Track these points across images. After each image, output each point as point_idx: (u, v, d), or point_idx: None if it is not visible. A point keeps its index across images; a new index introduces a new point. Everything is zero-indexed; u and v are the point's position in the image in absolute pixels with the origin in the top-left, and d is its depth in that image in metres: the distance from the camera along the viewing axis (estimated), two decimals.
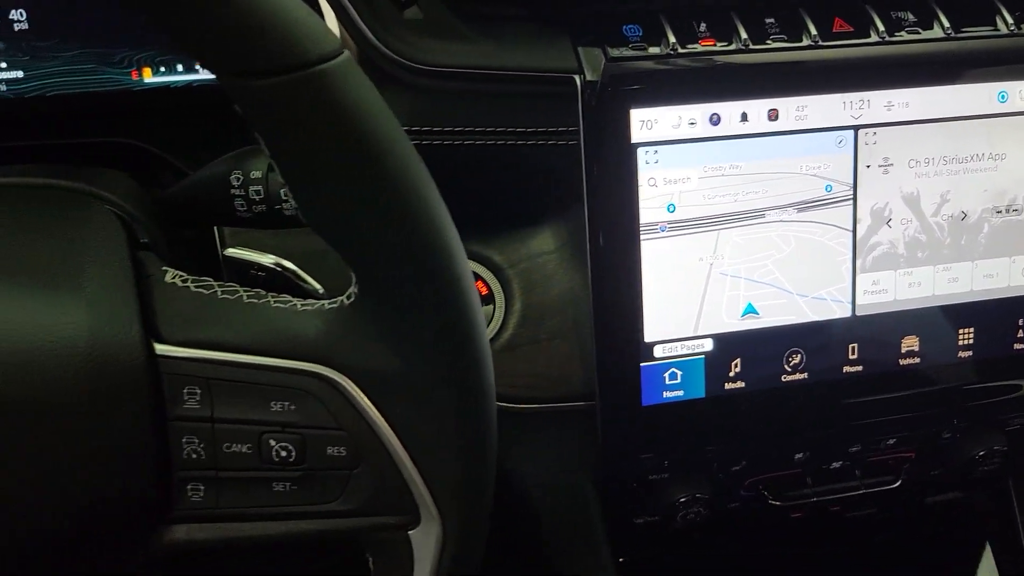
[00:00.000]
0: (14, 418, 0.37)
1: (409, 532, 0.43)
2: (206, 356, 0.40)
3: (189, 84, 0.67)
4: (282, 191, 0.50)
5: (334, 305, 0.42)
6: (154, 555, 0.43)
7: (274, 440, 0.41)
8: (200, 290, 0.42)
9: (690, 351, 0.62)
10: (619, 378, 0.62)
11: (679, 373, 0.63)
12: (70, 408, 0.38)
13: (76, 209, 0.46)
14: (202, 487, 0.41)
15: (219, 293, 0.42)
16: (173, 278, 0.43)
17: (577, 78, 0.58)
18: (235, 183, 0.51)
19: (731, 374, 0.64)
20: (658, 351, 0.62)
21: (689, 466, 0.66)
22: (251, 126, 0.36)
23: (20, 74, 0.65)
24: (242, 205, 0.51)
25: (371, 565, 0.47)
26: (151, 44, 0.66)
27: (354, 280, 0.41)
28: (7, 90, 0.65)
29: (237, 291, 0.42)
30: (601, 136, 0.58)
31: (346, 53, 0.36)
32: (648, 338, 0.61)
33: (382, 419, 0.41)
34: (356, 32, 0.59)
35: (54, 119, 0.66)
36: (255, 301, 0.42)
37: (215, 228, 0.65)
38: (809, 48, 0.61)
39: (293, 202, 0.49)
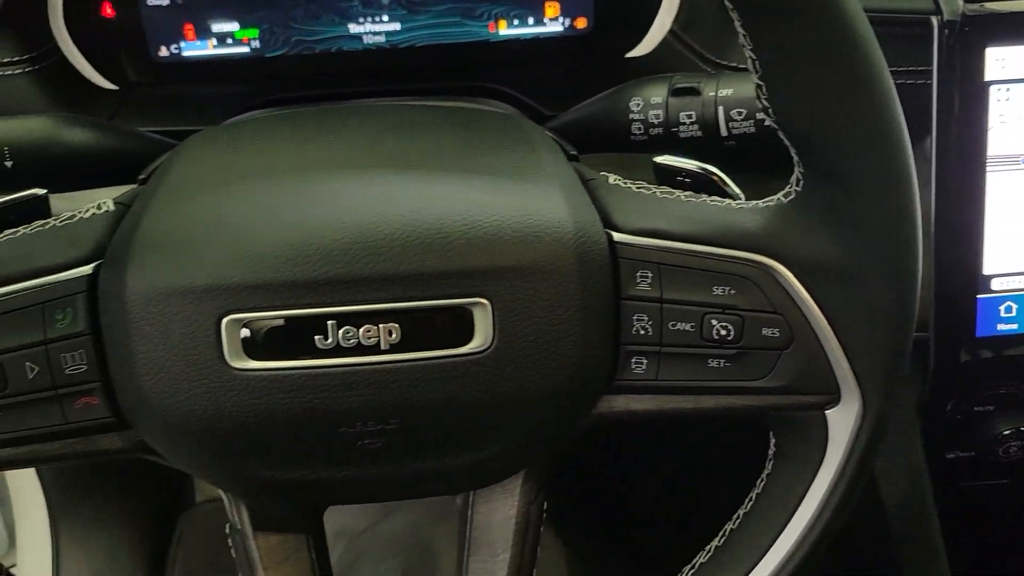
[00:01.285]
0: (528, 280, 0.43)
1: (827, 411, 0.48)
2: (657, 244, 0.46)
3: (537, 36, 0.75)
4: (681, 114, 0.56)
5: (770, 203, 0.47)
6: (593, 422, 0.49)
7: (715, 320, 0.46)
8: (641, 190, 0.48)
9: None
10: (955, 309, 0.65)
11: (1014, 307, 0.65)
12: (565, 277, 0.44)
13: (519, 128, 0.53)
14: (645, 361, 0.47)
15: (657, 193, 0.48)
16: (615, 180, 0.49)
17: (934, 19, 0.61)
18: (635, 108, 0.57)
19: None
20: (995, 284, 0.64)
21: (1015, 400, 0.68)
22: (743, 24, 0.41)
23: (398, 26, 0.73)
24: (639, 128, 0.57)
25: (773, 447, 0.52)
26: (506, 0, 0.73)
27: (796, 179, 0.45)
28: (385, 41, 0.74)
29: (674, 192, 0.48)
30: (954, 74, 0.61)
31: None
32: (987, 271, 0.64)
33: (815, 305, 0.46)
34: None
35: (421, 67, 0.74)
36: (692, 199, 0.48)
37: None
38: None
39: (694, 125, 0.55)
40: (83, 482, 1.44)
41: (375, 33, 0.73)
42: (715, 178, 0.50)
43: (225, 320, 0.42)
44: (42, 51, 0.67)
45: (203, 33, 0.71)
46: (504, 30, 0.74)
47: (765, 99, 0.43)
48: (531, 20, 0.74)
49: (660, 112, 0.56)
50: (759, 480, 0.53)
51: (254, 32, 0.72)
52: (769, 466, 0.52)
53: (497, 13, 0.73)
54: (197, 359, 0.42)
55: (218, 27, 0.71)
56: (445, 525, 0.75)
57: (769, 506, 0.51)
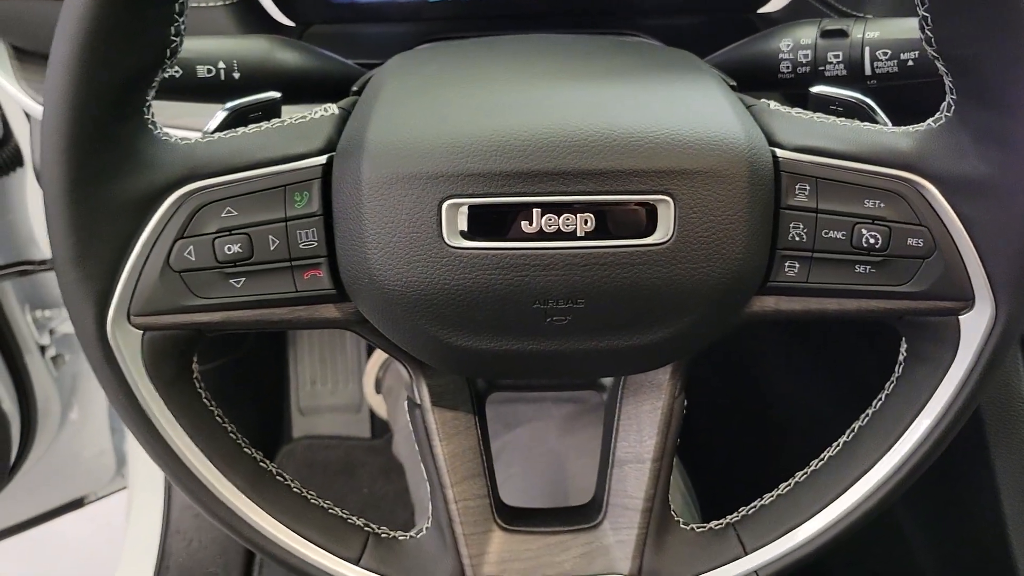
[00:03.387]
0: (707, 182, 0.50)
1: (961, 316, 0.53)
2: (816, 161, 0.52)
3: None
4: (829, 54, 0.62)
5: (920, 127, 0.52)
6: (744, 320, 0.55)
7: (865, 230, 0.52)
8: (800, 115, 0.54)
9: None
10: None
11: None
12: (737, 183, 0.50)
13: (686, 58, 0.59)
14: (797, 265, 0.53)
15: (815, 118, 0.54)
16: (776, 106, 0.55)
17: None
18: (784, 49, 0.63)
19: None
20: None
21: None
22: None
23: None
24: (787, 67, 0.63)
25: (904, 352, 0.58)
26: None
27: (948, 106, 0.51)
28: None
29: (830, 118, 0.54)
30: None
31: None
32: None
33: (957, 218, 0.51)
34: None
35: (564, 13, 0.81)
36: (848, 123, 0.53)
37: None
38: None
39: (841, 63, 0.60)
40: None
41: None
42: (865, 107, 0.56)
43: (445, 204, 0.49)
44: None
45: None
46: None
47: (929, 29, 0.48)
48: None
49: (809, 52, 0.62)
50: (888, 383, 0.58)
51: None
52: (899, 369, 0.58)
53: None
54: (419, 237, 0.49)
55: None
56: (569, 437, 0.82)
57: (900, 402, 0.57)
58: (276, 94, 0.58)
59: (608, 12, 0.81)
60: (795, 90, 0.64)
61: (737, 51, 0.66)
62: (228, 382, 1.46)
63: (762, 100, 0.56)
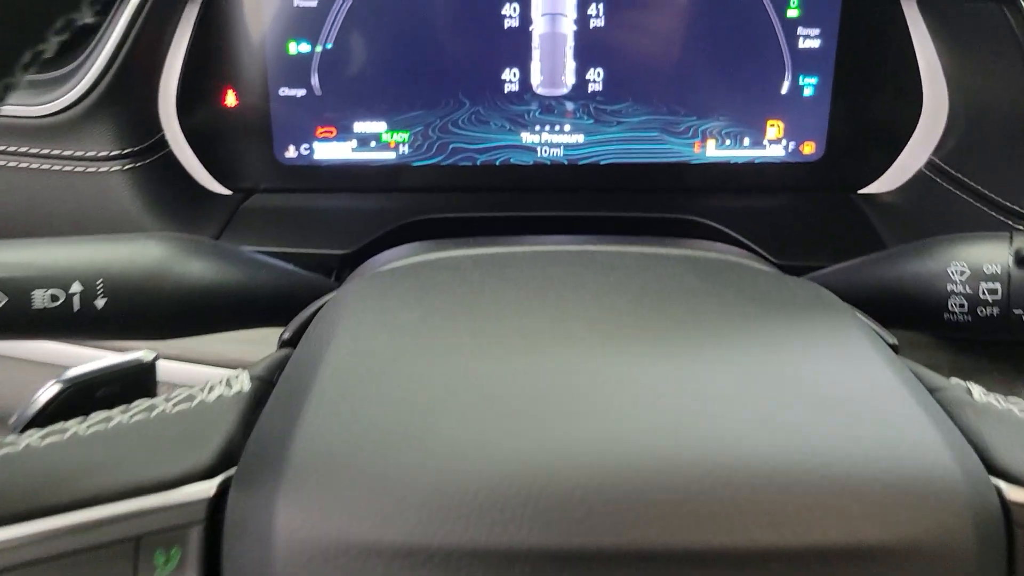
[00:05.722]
0: (912, 565, 0.27)
1: None
2: None
3: (752, 160, 0.59)
4: None
5: None
6: None
7: None
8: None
9: None
10: None
11: None
12: (959, 555, 0.27)
13: (819, 303, 0.37)
14: None
15: None
16: (981, 395, 0.33)
17: None
18: (956, 276, 0.41)
19: None
20: None
21: None
22: None
23: (581, 138, 0.59)
24: (961, 305, 0.41)
25: None
26: (719, 114, 0.58)
27: None
28: (563, 155, 0.59)
29: None
30: None
31: None
32: None
33: None
34: None
35: (603, 190, 0.59)
36: None
37: None
38: None
39: None
40: None
41: (552, 145, 0.58)
42: None
43: None
44: (145, 145, 0.53)
45: (341, 133, 0.57)
46: (712, 151, 0.59)
47: None
48: (747, 141, 0.59)
49: (998, 285, 0.40)
50: None
51: (405, 135, 0.58)
52: None
53: (706, 130, 0.59)
54: None
55: (361, 126, 0.57)
56: None
57: None
58: (147, 356, 0.36)
59: (658, 191, 0.60)
60: (970, 336, 0.41)
61: (866, 270, 0.44)
62: None
63: (953, 380, 0.34)
